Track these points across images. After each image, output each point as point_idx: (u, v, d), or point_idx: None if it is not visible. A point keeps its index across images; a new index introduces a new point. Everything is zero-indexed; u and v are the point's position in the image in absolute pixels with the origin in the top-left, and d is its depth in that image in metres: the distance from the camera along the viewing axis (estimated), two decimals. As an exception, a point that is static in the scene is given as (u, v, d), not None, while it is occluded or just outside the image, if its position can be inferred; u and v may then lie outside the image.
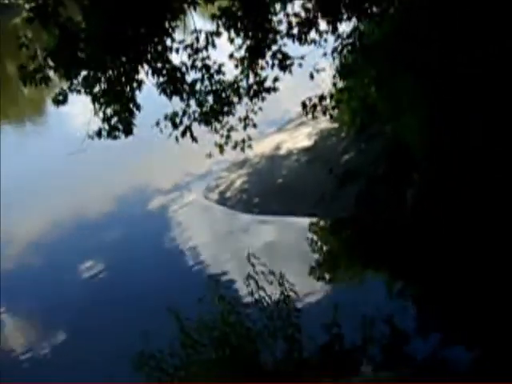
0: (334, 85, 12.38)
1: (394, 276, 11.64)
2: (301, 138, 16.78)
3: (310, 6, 11.73)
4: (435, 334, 9.37)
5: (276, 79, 11.53)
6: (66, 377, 9.71)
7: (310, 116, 11.82)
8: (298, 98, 13.43)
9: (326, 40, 11.94)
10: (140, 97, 11.29)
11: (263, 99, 12.04)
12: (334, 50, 12.03)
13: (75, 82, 10.76)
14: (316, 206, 14.08)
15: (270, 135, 18.04)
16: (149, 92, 11.63)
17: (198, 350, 7.76)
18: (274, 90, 11.67)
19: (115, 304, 11.64)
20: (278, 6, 11.65)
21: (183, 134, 11.10)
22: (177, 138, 11.15)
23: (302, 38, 11.42)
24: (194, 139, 11.05)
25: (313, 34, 11.57)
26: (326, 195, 14.12)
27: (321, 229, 14.10)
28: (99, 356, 9.70)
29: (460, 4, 10.89)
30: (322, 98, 11.59)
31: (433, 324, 9.72)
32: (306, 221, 14.00)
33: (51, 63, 10.18)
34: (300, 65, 11.80)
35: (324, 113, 11.77)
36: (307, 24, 11.33)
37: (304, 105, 11.66)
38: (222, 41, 11.62)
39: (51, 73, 10.42)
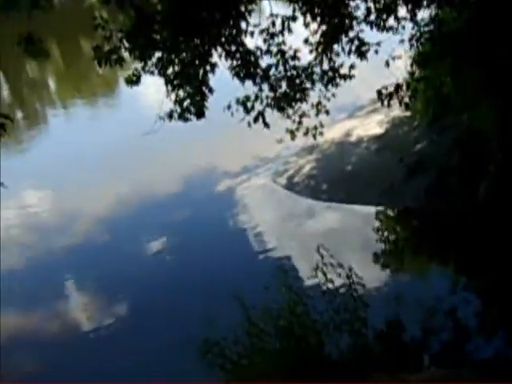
0: (411, 74, 12.09)
1: (462, 270, 11.44)
2: (372, 126, 16.55)
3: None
4: (500, 333, 9.14)
5: (352, 66, 11.31)
6: (126, 358, 9.92)
7: (385, 104, 11.53)
8: (370, 85, 13.23)
9: (403, 27, 11.63)
10: (212, 80, 11.28)
11: (337, 86, 11.84)
12: (412, 37, 11.72)
13: (149, 63, 10.78)
14: (384, 195, 13.90)
15: (340, 121, 17.85)
16: (221, 75, 11.61)
17: (262, 339, 7.72)
18: (350, 77, 11.46)
19: (179, 286, 11.76)
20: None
21: (255, 119, 11.02)
22: (249, 124, 11.07)
23: (379, 25, 11.16)
24: (266, 125, 10.95)
25: (391, 21, 11.27)
26: (395, 185, 13.93)
27: (388, 218, 13.92)
28: (161, 339, 9.83)
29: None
30: (398, 86, 11.30)
31: (498, 322, 9.48)
32: (373, 209, 13.85)
33: (127, 45, 10.21)
34: (376, 52, 11.54)
35: (400, 102, 11.48)
36: (386, 10, 11.05)
37: (379, 93, 11.39)
38: (296, 26, 11.48)
39: (126, 54, 10.45)
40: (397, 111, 15.85)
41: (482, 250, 11.22)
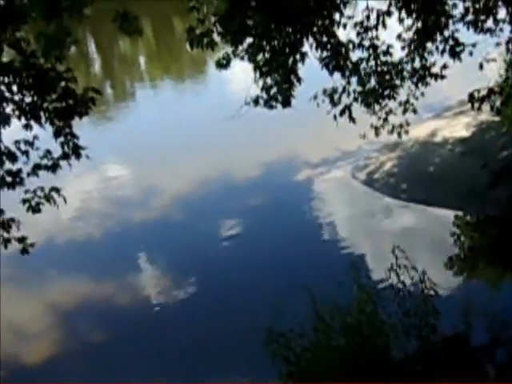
0: (506, 79, 11.74)
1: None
2: (458, 128, 16.15)
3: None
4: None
5: (445, 66, 11.06)
6: (189, 339, 10.05)
7: (475, 108, 11.23)
8: (459, 86, 12.93)
9: (501, 29, 11.30)
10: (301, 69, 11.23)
11: (427, 85, 11.62)
12: (509, 40, 11.36)
13: (240, 48, 10.82)
14: (465, 200, 13.59)
15: (426, 121, 17.49)
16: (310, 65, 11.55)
17: (328, 335, 7.67)
18: (442, 77, 11.22)
19: (250, 274, 11.80)
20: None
21: (342, 112, 10.94)
22: (335, 117, 11.00)
23: (477, 25, 10.87)
24: (352, 120, 10.86)
25: (489, 23, 10.96)
26: (477, 190, 13.57)
27: (467, 224, 13.62)
28: (227, 324, 9.91)
29: None
30: (491, 91, 11.00)
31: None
32: (452, 213, 13.57)
33: (219, 28, 10.28)
34: (470, 53, 11.25)
35: (491, 107, 11.18)
36: (485, 11, 10.75)
37: (471, 96, 11.11)
38: (391, 21, 11.29)
39: (218, 38, 10.51)
40: (485, 115, 15.42)
41: None
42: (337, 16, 10.85)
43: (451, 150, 15.35)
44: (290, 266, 11.62)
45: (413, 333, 7.96)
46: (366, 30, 10.85)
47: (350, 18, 11.02)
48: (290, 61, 10.84)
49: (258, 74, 10.95)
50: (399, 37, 11.42)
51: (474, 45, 11.22)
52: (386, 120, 11.85)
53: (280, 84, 10.77)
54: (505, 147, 14.40)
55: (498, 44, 11.64)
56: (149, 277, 12.72)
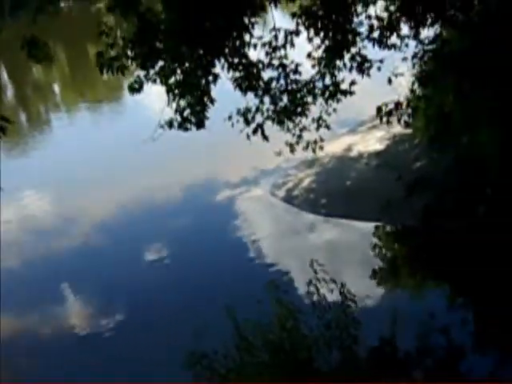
0: (412, 91, 12.09)
1: (458, 289, 11.36)
2: (372, 142, 16.55)
3: (392, 8, 11.49)
4: (494, 354, 9.10)
5: (353, 83, 11.33)
6: (113, 365, 9.88)
7: (384, 121, 11.55)
8: (372, 100, 13.22)
9: (406, 45, 11.67)
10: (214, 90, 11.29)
11: (338, 101, 11.86)
12: (415, 55, 11.73)
13: (151, 71, 10.81)
14: (383, 212, 13.85)
15: (341, 136, 17.84)
16: (222, 86, 11.62)
17: (251, 353, 7.69)
18: (351, 93, 11.49)
19: (172, 296, 11.71)
20: (359, 8, 11.45)
21: (255, 131, 11.04)
22: (248, 136, 11.08)
23: (382, 42, 11.18)
24: (265, 138, 10.96)
25: (394, 39, 11.30)
26: (394, 202, 13.87)
27: (386, 235, 13.87)
28: (150, 349, 9.80)
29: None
30: (398, 104, 11.33)
31: (493, 342, 9.44)
32: (371, 226, 13.81)
33: (129, 53, 10.24)
34: (379, 68, 11.58)
35: (399, 120, 11.51)
36: (389, 27, 11.08)
37: (379, 110, 11.43)
38: (300, 40, 11.51)
39: (129, 62, 10.47)
40: (398, 128, 15.81)
41: (478, 270, 11.17)
42: (247, 37, 10.97)
43: (367, 163, 15.68)
44: (212, 286, 11.56)
45: (335, 344, 8.03)
46: (275, 49, 11.01)
47: (259, 38, 11.16)
48: (203, 82, 10.89)
49: (171, 97, 10.95)
50: (309, 55, 11.62)
51: (381, 60, 11.53)
52: (300, 137, 12.02)
53: (193, 106, 10.80)
54: (417, 159, 14.80)
55: (404, 59, 11.97)
56: (72, 306, 12.46)
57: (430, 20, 11.32)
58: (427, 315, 9.99)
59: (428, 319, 9.88)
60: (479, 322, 10.10)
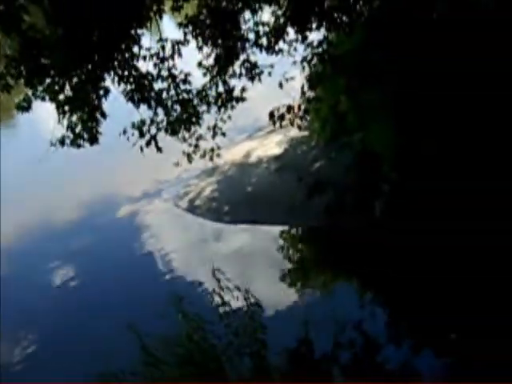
0: (303, 94, 12.26)
1: (364, 285, 11.56)
2: (271, 146, 16.66)
3: (279, 13, 11.60)
4: (405, 342, 9.30)
5: (243, 89, 11.38)
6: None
7: (277, 125, 11.67)
8: (270, 106, 13.33)
9: (295, 49, 11.82)
10: (107, 104, 11.09)
11: (232, 108, 11.88)
12: (304, 59, 11.90)
13: (40, 88, 10.51)
14: (286, 215, 13.96)
15: (240, 143, 17.91)
16: (116, 99, 11.44)
17: (161, 369, 7.56)
18: (242, 99, 11.53)
19: (74, 317, 11.40)
20: (247, 14, 11.52)
21: (148, 143, 10.90)
22: (141, 148, 10.93)
23: (270, 47, 11.27)
24: (158, 149, 10.84)
25: (282, 44, 11.42)
26: (296, 204, 14.01)
27: (291, 237, 13.98)
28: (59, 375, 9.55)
29: (430, 19, 10.88)
30: (289, 107, 11.46)
31: (404, 332, 9.66)
32: (276, 229, 13.89)
33: (13, 71, 9.91)
34: (269, 74, 11.68)
35: (292, 123, 11.64)
36: (276, 33, 11.19)
37: (271, 115, 11.53)
38: (191, 48, 11.46)
39: (13, 80, 10.14)
40: (295, 131, 16.01)
41: (380, 264, 11.42)
42: (135, 49, 10.84)
43: (267, 168, 15.76)
44: (117, 305, 11.33)
45: (244, 351, 8.00)
46: (163, 60, 10.91)
47: (148, 49, 11.04)
48: (93, 97, 10.68)
49: (61, 114, 10.68)
50: (200, 64, 11.59)
51: (271, 66, 11.63)
52: (197, 146, 11.96)
53: (85, 122, 10.58)
54: (316, 160, 14.99)
55: (294, 63, 12.12)
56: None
57: (315, 24, 11.49)
58: (336, 313, 10.10)
59: (337, 317, 9.99)
60: (388, 315, 10.31)
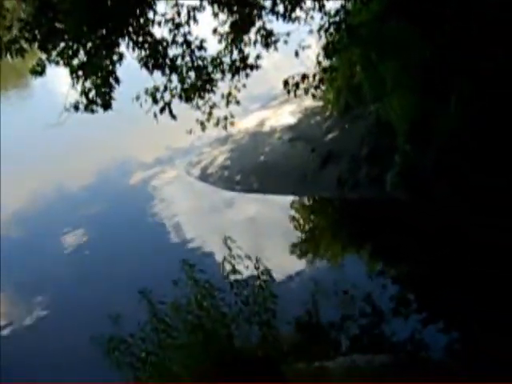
0: (319, 63, 12.13)
1: (375, 256, 11.57)
2: (284, 116, 16.61)
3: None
4: (414, 316, 9.33)
5: (258, 57, 11.26)
6: (32, 357, 9.69)
7: (292, 94, 11.57)
8: (285, 75, 13.22)
9: (312, 17, 11.66)
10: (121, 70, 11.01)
11: (247, 76, 11.76)
12: (320, 28, 11.74)
13: (53, 53, 10.43)
14: (298, 185, 13.96)
15: (253, 112, 17.85)
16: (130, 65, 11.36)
17: (171, 336, 7.58)
18: (257, 67, 11.40)
19: (89, 282, 11.54)
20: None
21: (162, 110, 10.79)
22: (155, 115, 10.85)
23: (286, 15, 11.12)
24: (173, 116, 10.75)
25: (299, 11, 11.26)
26: (309, 174, 14.00)
27: (302, 207, 14.00)
28: (68, 337, 9.65)
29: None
30: (304, 76, 11.35)
31: (413, 305, 9.68)
32: (287, 199, 13.91)
33: (27, 34, 9.83)
34: (285, 42, 11.56)
35: (306, 92, 11.54)
36: (293, 1, 11.03)
37: (286, 83, 11.42)
38: (207, 15, 11.35)
39: (27, 44, 10.07)
40: (309, 101, 15.94)
41: (391, 236, 11.42)
42: (150, 14, 10.73)
43: (280, 137, 15.73)
44: (130, 271, 11.43)
45: (254, 320, 8.00)
46: (178, 26, 10.79)
47: (163, 15, 10.92)
48: (107, 62, 10.60)
49: (75, 79, 10.61)
50: (215, 31, 11.48)
51: (288, 34, 11.50)
52: (210, 114, 11.88)
53: (99, 87, 10.50)
54: (330, 131, 14.94)
55: (311, 31, 11.98)
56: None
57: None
58: (348, 284, 10.13)
59: (348, 287, 10.03)
60: (399, 287, 10.32)
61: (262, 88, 18.50)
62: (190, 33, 10.85)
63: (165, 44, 10.76)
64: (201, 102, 11.59)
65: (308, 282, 10.54)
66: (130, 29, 10.60)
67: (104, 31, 10.42)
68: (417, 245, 10.81)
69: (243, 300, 8.06)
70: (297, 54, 11.58)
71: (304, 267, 11.39)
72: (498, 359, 7.58)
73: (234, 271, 8.28)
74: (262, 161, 15.12)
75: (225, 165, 15.51)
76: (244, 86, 11.92)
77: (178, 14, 10.74)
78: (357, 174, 13.12)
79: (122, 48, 10.75)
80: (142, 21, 10.66)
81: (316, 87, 11.58)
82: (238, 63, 11.53)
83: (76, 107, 10.63)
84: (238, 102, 12.14)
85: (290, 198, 13.92)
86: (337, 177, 13.45)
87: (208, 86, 11.22)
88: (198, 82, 11.09)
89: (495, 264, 9.45)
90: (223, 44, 11.46)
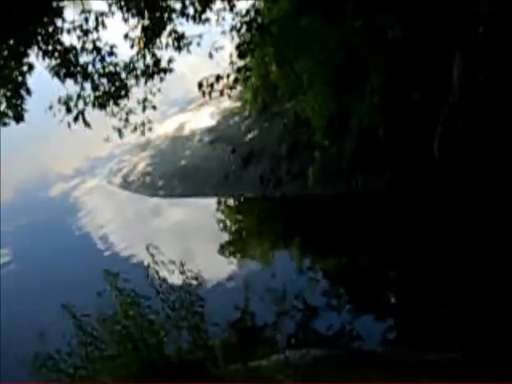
0: (232, 64, 12.15)
1: (301, 251, 11.64)
2: (204, 118, 16.58)
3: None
4: (345, 309, 9.41)
5: (171, 60, 11.15)
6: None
7: (210, 96, 11.55)
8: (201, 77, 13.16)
9: (223, 18, 11.66)
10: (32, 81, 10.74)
11: (161, 80, 11.64)
12: (232, 28, 11.76)
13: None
14: (221, 186, 13.94)
15: (172, 116, 17.76)
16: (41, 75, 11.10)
17: (98, 347, 7.42)
18: (170, 71, 11.29)
19: (12, 301, 11.14)
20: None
21: (76, 119, 10.58)
22: (69, 124, 10.63)
23: (197, 17, 11.07)
24: (86, 124, 10.55)
25: (209, 13, 11.23)
26: (231, 175, 14.00)
27: (226, 209, 13.98)
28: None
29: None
30: (218, 77, 11.33)
31: (344, 299, 9.77)
32: (211, 201, 13.86)
33: None
34: (198, 44, 11.50)
35: (221, 93, 11.52)
36: (202, 2, 10.98)
37: (200, 85, 11.37)
38: (117, 20, 11.17)
39: None
40: (228, 102, 15.96)
41: (315, 231, 11.52)
42: (59, 22, 10.49)
43: (200, 140, 15.69)
44: (54, 286, 11.16)
45: (182, 325, 7.93)
46: (86, 33, 10.58)
47: (72, 22, 10.69)
48: (17, 74, 10.33)
49: (-16, 92, 10.29)
50: (126, 36, 11.31)
51: (200, 36, 11.45)
52: (127, 120, 11.70)
53: (9, 99, 10.22)
54: (249, 130, 14.99)
55: (223, 33, 11.98)
56: None
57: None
58: (277, 281, 10.13)
59: (278, 284, 10.02)
60: (329, 282, 10.39)
61: (180, 92, 18.43)
62: (99, 39, 10.66)
63: (75, 52, 10.55)
64: (116, 109, 11.41)
65: (238, 282, 10.50)
66: (39, 38, 10.36)
67: (12, 41, 10.16)
68: (340, 238, 10.95)
69: (170, 306, 7.97)
70: (211, 55, 11.56)
71: (233, 268, 11.34)
72: (428, 346, 7.74)
73: (160, 278, 8.18)
74: (184, 164, 15.04)
75: (146, 171, 15.36)
76: (159, 90, 11.80)
77: (86, 20, 10.53)
78: (278, 172, 13.19)
79: (32, 58, 10.51)
80: (50, 29, 10.42)
81: (231, 87, 11.58)
82: (151, 68, 11.40)
83: (-14, 120, 10.33)
84: (154, 107, 12.00)
85: (213, 200, 13.89)
86: (259, 176, 13.49)
87: (122, 92, 11.06)
88: (111, 88, 10.91)
89: (410, 252, 9.71)
90: (135, 49, 11.31)
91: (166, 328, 7.84)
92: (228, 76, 11.48)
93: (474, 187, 10.15)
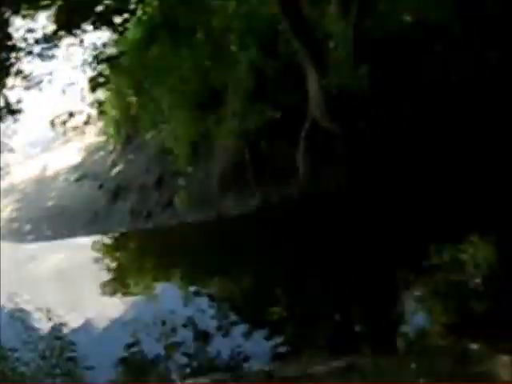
0: (84, 98, 12.01)
1: (180, 279, 11.49)
2: (68, 156, 16.21)
3: (53, 19, 11.19)
4: (233, 331, 9.33)
5: (19, 101, 10.87)
6: None
7: (73, 133, 11.34)
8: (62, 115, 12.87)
9: (72, 54, 11.50)
10: None
11: (17, 121, 11.33)
12: (83, 62, 11.62)
13: None
14: (92, 224, 13.64)
15: (35, 156, 17.25)
16: None
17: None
18: (20, 111, 11.01)
19: None
20: (18, 22, 11.00)
21: None
22: None
23: (44, 55, 10.84)
24: None
25: (57, 49, 11.04)
26: (100, 211, 13.73)
27: (100, 246, 13.61)
28: None
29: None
30: (71, 114, 11.14)
31: (233, 320, 9.70)
32: (83, 240, 13.50)
33: None
34: (50, 81, 11.28)
35: (75, 129, 11.34)
36: (48, 39, 10.76)
37: (53, 123, 11.15)
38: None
39: None
40: (92, 138, 15.67)
41: (191, 258, 11.42)
42: None
43: (66, 179, 15.33)
44: None
45: (55, 373, 7.63)
46: None
47: None
48: None
49: None
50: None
51: (50, 73, 11.24)
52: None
53: None
54: (115, 164, 14.78)
55: (75, 68, 11.80)
56: None
57: (92, 26, 11.20)
58: (164, 312, 9.91)
59: (166, 315, 9.81)
60: (216, 307, 10.28)
61: (41, 131, 17.89)
62: None
63: None
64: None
65: (125, 318, 10.19)
66: None
67: None
68: (214, 262, 10.90)
69: (40, 355, 7.69)
70: (64, 91, 11.36)
71: (116, 305, 11.04)
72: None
73: (30, 327, 7.90)
74: (50, 206, 14.64)
75: (12, 217, 14.82)
76: (15, 132, 11.48)
77: None
78: (148, 204, 13.04)
79: None
80: None
81: (86, 122, 11.41)
82: (4, 109, 11.06)
83: None
84: (11, 150, 11.65)
85: (86, 240, 13.50)
86: (129, 209, 13.29)
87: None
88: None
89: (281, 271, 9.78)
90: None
91: (38, 378, 7.55)
92: (81, 111, 11.30)
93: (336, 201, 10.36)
